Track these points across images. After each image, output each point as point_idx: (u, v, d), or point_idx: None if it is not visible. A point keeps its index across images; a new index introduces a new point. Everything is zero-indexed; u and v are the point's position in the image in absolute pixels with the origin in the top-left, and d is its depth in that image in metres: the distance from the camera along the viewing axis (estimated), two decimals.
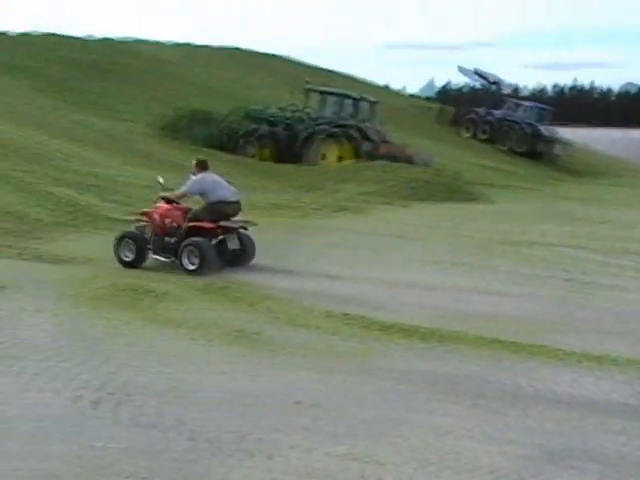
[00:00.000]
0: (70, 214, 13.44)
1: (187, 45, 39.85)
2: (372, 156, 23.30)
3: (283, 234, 13.23)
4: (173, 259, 9.90)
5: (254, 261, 10.42)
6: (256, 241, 10.38)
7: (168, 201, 10.24)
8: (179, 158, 19.53)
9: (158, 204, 10.34)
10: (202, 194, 10.18)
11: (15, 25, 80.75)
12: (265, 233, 11.10)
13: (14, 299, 8.08)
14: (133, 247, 9.99)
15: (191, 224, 9.84)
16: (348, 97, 25.56)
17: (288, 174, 21.89)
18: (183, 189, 10.28)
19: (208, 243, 9.70)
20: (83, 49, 32.56)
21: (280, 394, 5.72)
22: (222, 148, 23.34)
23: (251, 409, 5.41)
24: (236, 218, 10.27)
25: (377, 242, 13.69)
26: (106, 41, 36.01)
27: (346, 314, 8.11)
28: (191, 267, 9.62)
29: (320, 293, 9.15)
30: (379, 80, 42.76)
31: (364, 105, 25.50)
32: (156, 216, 10.12)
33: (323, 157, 23.64)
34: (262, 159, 23.53)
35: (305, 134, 23.75)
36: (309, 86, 25.89)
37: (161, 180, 10.51)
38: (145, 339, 6.97)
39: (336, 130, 23.82)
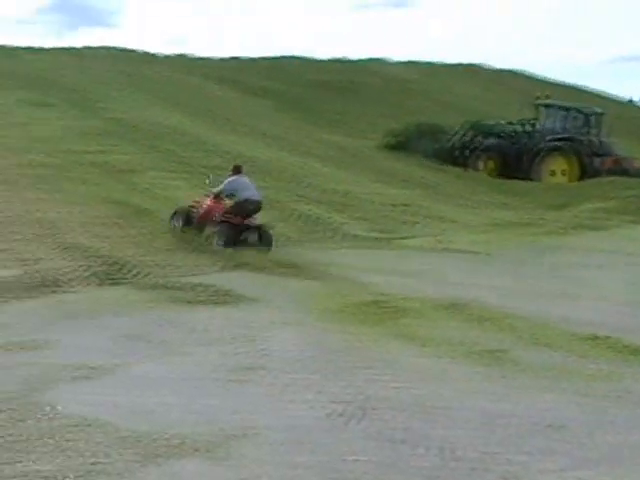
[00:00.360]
0: (312, 230, 14.02)
1: (428, 63, 40.31)
2: (599, 171, 22.55)
3: (524, 252, 12.87)
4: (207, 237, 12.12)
5: (495, 281, 10.49)
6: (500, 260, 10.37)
7: (216, 196, 12.33)
8: (417, 174, 19.79)
9: (208, 197, 12.52)
10: (233, 192, 12.18)
11: (256, 49, 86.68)
12: (506, 252, 10.90)
13: (264, 312, 8.53)
14: (182, 220, 12.48)
15: (224, 219, 12.03)
16: (578, 111, 24.82)
17: (521, 189, 21.50)
18: (220, 187, 12.32)
19: (230, 233, 11.86)
20: (322, 70, 34.11)
21: (527, 415, 5.56)
22: (452, 162, 23.49)
23: (498, 429, 5.29)
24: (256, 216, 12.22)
25: (621, 261, 12.96)
26: (344, 62, 37.45)
27: (594, 336, 7.75)
28: (216, 246, 11.78)
29: (564, 314, 8.83)
30: (610, 91, 40.28)
31: (594, 118, 24.58)
32: (204, 207, 12.40)
33: (552, 173, 23.22)
34: (488, 173, 23.44)
35: (533, 148, 23.36)
36: (539, 101, 25.47)
37: (207, 181, 12.96)
38: (390, 354, 7.05)
39: (564, 144, 23.28)
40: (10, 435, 4.81)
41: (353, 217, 15.30)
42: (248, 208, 12.13)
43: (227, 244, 11.72)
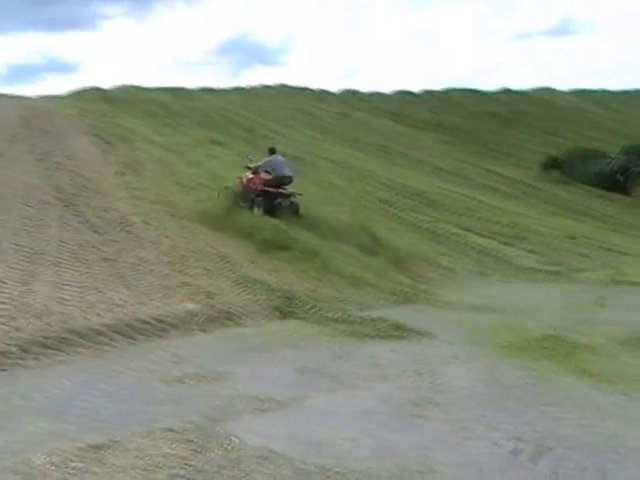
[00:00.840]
0: (484, 262, 13.90)
1: (600, 91, 39.12)
2: None
3: None
4: (249, 205, 15.29)
5: None
6: None
7: (254, 172, 15.57)
8: (582, 203, 19.16)
9: (248, 172, 15.72)
10: (270, 169, 15.40)
11: (422, 82, 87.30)
12: None
13: (438, 346, 8.60)
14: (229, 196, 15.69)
15: (262, 189, 15.21)
16: None
17: None
18: (258, 164, 15.69)
19: (267, 201, 15.06)
20: (488, 101, 34.00)
21: None
22: (612, 187, 23.10)
23: None
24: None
25: None
26: (511, 92, 37.06)
27: None
28: (256, 212, 15.02)
29: None
30: None
31: None
32: (244, 180, 15.75)
33: None
34: None
35: None
36: None
37: (249, 158, 16.73)
38: (565, 390, 6.90)
39: None
40: (192, 466, 5.01)
41: (524, 249, 15.08)
42: (283, 182, 15.32)
43: (265, 211, 14.95)
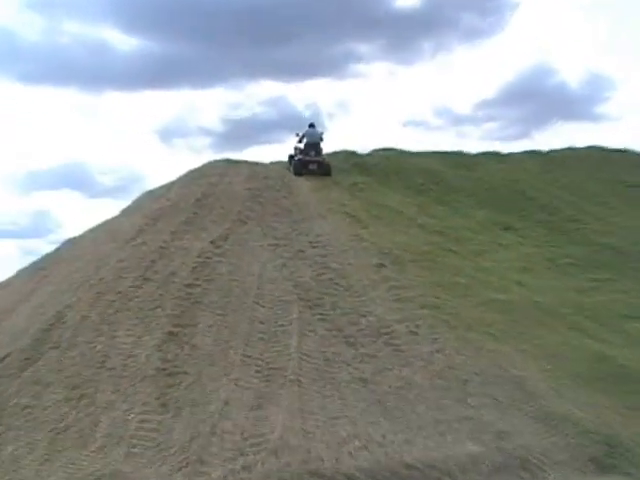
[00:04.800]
0: None
1: None
2: None
3: None
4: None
5: None
6: None
7: (299, 141, 27.91)
8: None
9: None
10: (304, 137, 27.74)
11: None
12: None
13: None
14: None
15: (298, 157, 27.55)
16: None
17: None
18: (300, 135, 27.80)
19: (300, 166, 26.96)
20: None
21: None
22: None
23: None
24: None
25: None
26: None
27: None
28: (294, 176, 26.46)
29: None
30: None
31: None
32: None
33: None
34: None
35: None
36: None
37: (297, 134, 27.99)
38: None
39: None
40: None
41: None
42: (309, 145, 27.27)
43: (297, 174, 26.29)
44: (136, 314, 14.30)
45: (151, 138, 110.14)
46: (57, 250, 23.59)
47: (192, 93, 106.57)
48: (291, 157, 28.26)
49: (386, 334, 13.31)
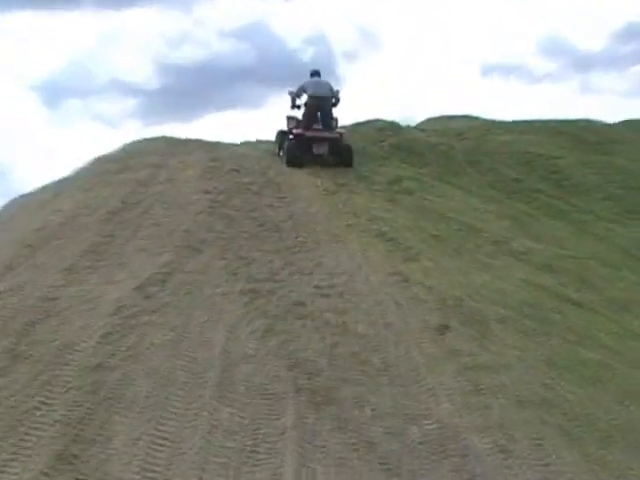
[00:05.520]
0: None
1: None
2: None
3: None
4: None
5: None
6: None
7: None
8: None
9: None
10: (302, 92, 18.81)
11: None
12: None
13: None
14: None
15: (294, 133, 18.78)
16: None
17: None
18: (296, 90, 20.21)
19: (294, 149, 18.25)
20: None
21: None
22: None
23: None
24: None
25: None
26: None
27: None
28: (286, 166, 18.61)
29: None
30: None
31: None
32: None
33: None
34: None
35: None
36: None
37: (292, 101, 19.36)
38: None
39: None
40: None
41: None
42: (313, 105, 18.16)
43: (292, 163, 17.65)
44: None
45: (26, 97, 70.10)
46: None
47: (100, 14, 68.07)
48: (282, 135, 19.08)
49: None
